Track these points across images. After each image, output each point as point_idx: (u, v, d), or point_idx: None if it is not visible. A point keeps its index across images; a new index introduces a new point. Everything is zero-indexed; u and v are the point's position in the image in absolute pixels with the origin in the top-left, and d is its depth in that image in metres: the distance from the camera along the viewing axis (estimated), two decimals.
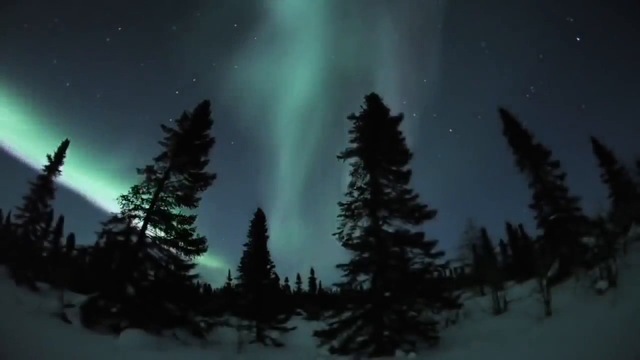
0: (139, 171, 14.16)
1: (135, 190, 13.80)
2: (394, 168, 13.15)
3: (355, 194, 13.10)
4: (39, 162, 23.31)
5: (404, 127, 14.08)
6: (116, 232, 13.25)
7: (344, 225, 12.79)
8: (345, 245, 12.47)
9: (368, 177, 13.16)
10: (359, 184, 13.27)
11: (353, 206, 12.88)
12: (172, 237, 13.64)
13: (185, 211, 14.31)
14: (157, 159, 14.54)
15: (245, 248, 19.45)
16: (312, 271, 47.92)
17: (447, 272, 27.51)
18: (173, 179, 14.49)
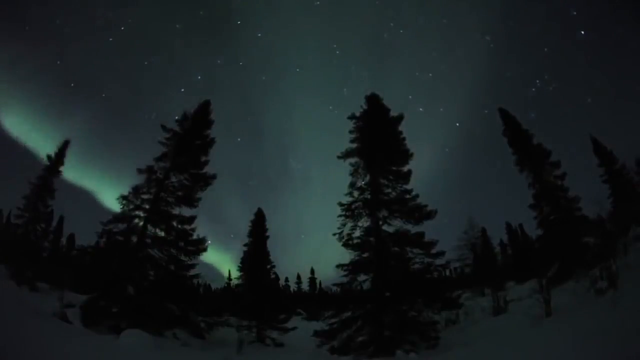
0: (139, 171, 14.17)
1: (136, 191, 13.80)
2: (394, 168, 13.15)
3: (355, 194, 13.11)
4: (43, 162, 23.19)
5: (407, 122, 14.08)
6: (116, 232, 13.26)
7: (344, 225, 12.80)
8: (345, 245, 12.47)
9: (368, 177, 13.16)
10: (359, 184, 13.28)
11: (353, 206, 12.89)
12: (172, 238, 13.65)
13: (186, 211, 14.34)
14: (158, 159, 14.53)
15: (245, 248, 19.46)
16: (312, 271, 47.85)
17: (447, 272, 27.52)
18: (173, 179, 14.48)
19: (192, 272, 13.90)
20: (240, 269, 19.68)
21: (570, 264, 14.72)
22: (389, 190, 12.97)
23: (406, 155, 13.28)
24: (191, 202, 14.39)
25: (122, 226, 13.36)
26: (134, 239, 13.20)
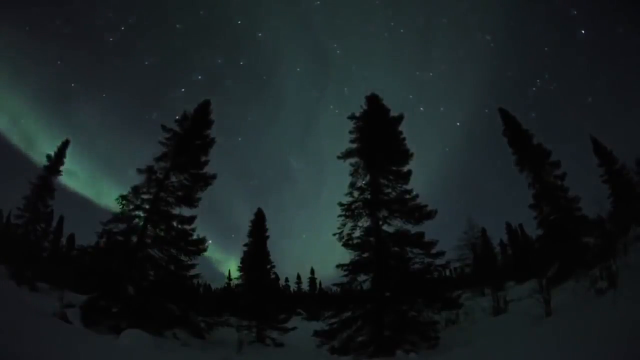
0: (139, 171, 14.16)
1: (136, 191, 13.79)
2: (394, 168, 13.16)
3: (355, 194, 13.12)
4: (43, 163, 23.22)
5: (408, 122, 14.10)
6: (116, 232, 13.25)
7: (344, 225, 12.80)
8: (345, 245, 12.48)
9: (368, 177, 13.17)
10: (359, 184, 13.28)
11: (353, 206, 12.89)
12: (172, 238, 13.64)
13: (186, 211, 14.33)
14: (157, 159, 14.52)
15: (245, 248, 19.46)
16: (312, 271, 47.82)
17: (447, 272, 27.50)
18: (173, 179, 14.47)
19: (192, 272, 13.90)
20: (240, 269, 19.70)
21: (570, 264, 14.71)
22: (389, 190, 12.98)
23: (406, 155, 13.29)
24: (191, 202, 14.38)
25: (122, 226, 13.33)
26: (134, 239, 13.19)
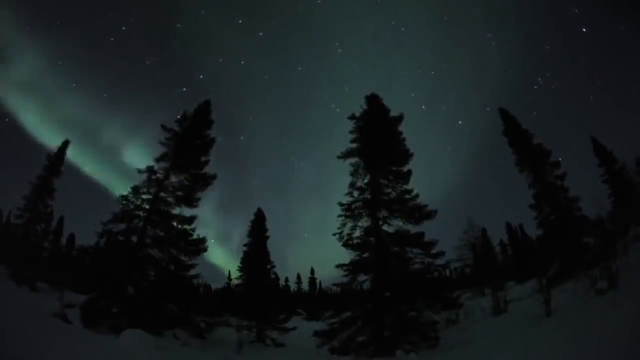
0: (139, 171, 14.17)
1: (136, 191, 13.80)
2: (394, 168, 13.14)
3: (355, 194, 13.09)
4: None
5: (409, 121, 14.07)
6: (116, 232, 13.26)
7: (344, 225, 12.78)
8: (345, 245, 12.47)
9: (368, 177, 13.15)
10: (359, 184, 13.26)
11: (353, 206, 12.87)
12: (172, 238, 13.64)
13: (186, 211, 14.32)
14: (158, 159, 14.54)
15: (245, 248, 19.45)
16: (312, 271, 47.87)
17: (447, 272, 27.51)
18: (173, 179, 14.47)
19: (192, 272, 13.90)
20: (240, 269, 19.69)
21: (570, 264, 14.71)
22: (389, 190, 12.96)
23: (406, 155, 13.28)
24: (191, 202, 14.38)
25: (122, 226, 13.35)
26: (134, 239, 13.20)
